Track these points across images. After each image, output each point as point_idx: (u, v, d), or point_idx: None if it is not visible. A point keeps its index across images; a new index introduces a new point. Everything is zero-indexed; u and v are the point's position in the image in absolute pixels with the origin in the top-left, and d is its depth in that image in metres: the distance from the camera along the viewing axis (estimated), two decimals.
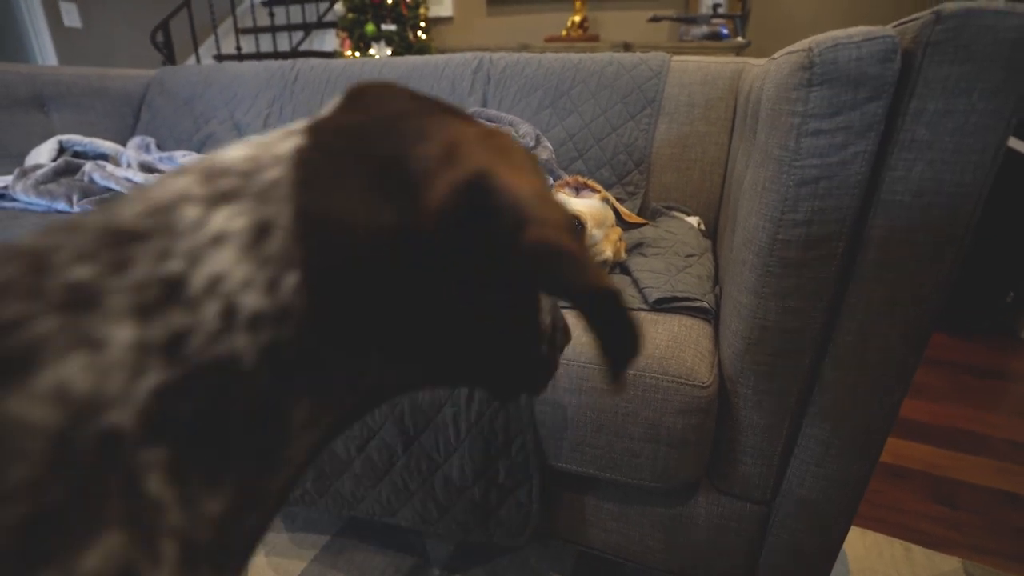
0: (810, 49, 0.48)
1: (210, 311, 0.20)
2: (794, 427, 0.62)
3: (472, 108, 1.28)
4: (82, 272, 0.19)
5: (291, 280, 0.21)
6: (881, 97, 0.47)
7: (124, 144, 1.76)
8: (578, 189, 0.94)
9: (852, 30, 0.47)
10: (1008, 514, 1.12)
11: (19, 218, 1.16)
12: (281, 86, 1.65)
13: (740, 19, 2.72)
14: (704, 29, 2.73)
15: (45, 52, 2.96)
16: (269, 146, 0.24)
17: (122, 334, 0.18)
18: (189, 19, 3.06)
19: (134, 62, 3.32)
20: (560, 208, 0.24)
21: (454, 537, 0.79)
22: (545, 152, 0.96)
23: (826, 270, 0.53)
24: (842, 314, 0.55)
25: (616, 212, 0.95)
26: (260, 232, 0.21)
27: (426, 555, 0.97)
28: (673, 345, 0.65)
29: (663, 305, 0.73)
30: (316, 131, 0.25)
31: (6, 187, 1.30)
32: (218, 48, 3.56)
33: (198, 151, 1.71)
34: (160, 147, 1.76)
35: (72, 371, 0.17)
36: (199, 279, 0.20)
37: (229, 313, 0.20)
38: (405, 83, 1.50)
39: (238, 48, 3.46)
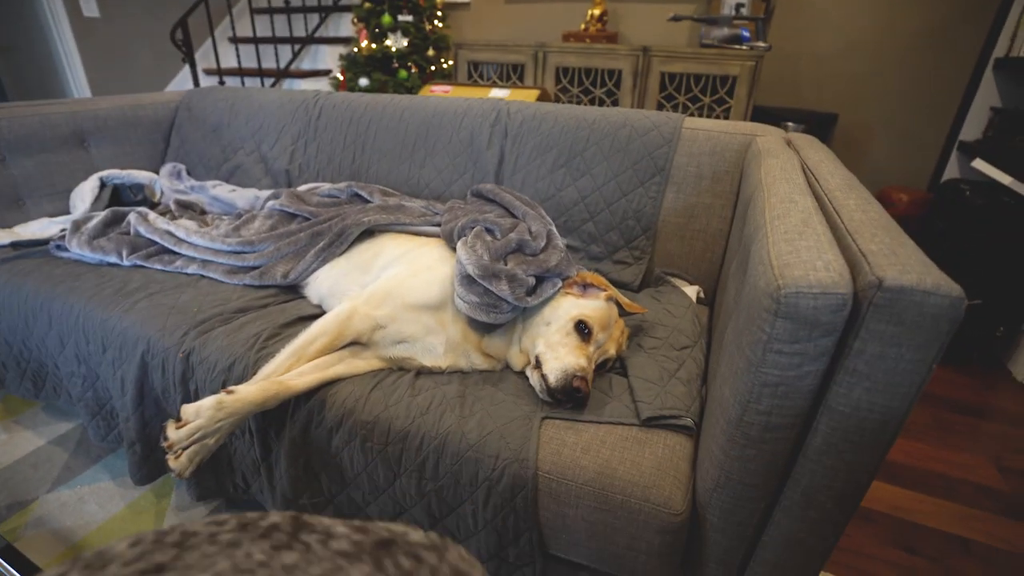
0: (778, 288, 0.57)
1: None
2: (750, 548, 0.75)
3: (488, 184, 1.35)
4: None
5: None
6: (831, 335, 0.57)
7: (157, 170, 1.86)
8: (585, 287, 1.04)
9: (813, 279, 0.56)
10: (960, 561, 1.26)
11: (80, 276, 1.29)
12: (305, 121, 1.72)
13: (762, 21, 2.67)
14: (725, 31, 2.69)
15: (66, 42, 3.00)
16: None
17: None
18: (206, 8, 3.05)
19: (153, 52, 3.34)
20: None
21: None
22: (555, 255, 1.05)
23: (781, 448, 0.65)
24: (791, 479, 0.67)
25: (619, 305, 1.05)
26: None
27: None
28: (656, 472, 0.77)
29: (652, 423, 0.85)
30: None
31: (63, 235, 1.42)
32: (233, 31, 3.55)
33: (227, 180, 1.81)
34: (191, 173, 1.86)
35: None
36: None
37: None
38: (424, 130, 1.57)
39: (253, 30, 3.45)
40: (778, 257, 0.62)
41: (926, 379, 0.56)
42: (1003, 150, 2.10)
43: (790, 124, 2.64)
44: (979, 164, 2.14)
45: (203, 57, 3.62)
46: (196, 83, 3.25)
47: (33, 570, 1.09)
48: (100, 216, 1.44)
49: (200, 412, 0.82)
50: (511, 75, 2.95)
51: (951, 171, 2.58)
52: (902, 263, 0.56)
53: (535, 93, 2.41)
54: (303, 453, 0.96)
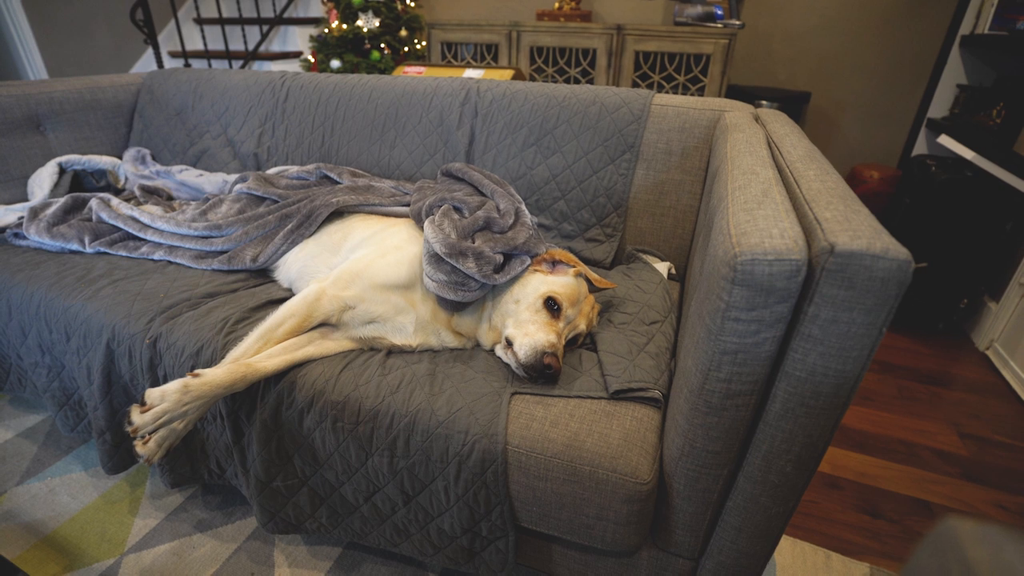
0: (735, 256, 0.58)
1: None
2: (715, 514, 0.77)
3: (457, 164, 1.34)
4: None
5: None
6: (787, 301, 0.58)
7: (120, 155, 1.81)
8: (554, 264, 1.04)
9: (768, 246, 0.57)
10: (919, 523, 1.31)
11: (40, 264, 1.25)
12: (272, 103, 1.68)
13: None
14: (698, 9, 2.68)
15: (17, 20, 2.87)
16: None
17: None
18: None
19: (114, 34, 3.22)
20: None
21: (446, 566, 0.96)
22: (523, 232, 1.04)
23: (741, 414, 0.66)
24: (752, 445, 0.68)
25: (589, 281, 1.06)
26: None
27: (424, 566, 1.15)
28: (624, 443, 0.79)
29: (620, 396, 0.86)
30: None
31: (20, 222, 1.37)
32: (198, 11, 3.44)
33: (194, 165, 1.77)
34: (156, 158, 1.81)
35: None
36: None
37: None
38: (394, 111, 1.54)
39: (219, 10, 3.34)
40: (736, 226, 0.63)
41: (877, 342, 0.57)
42: (967, 126, 2.14)
43: (764, 103, 2.65)
44: (944, 140, 2.18)
45: (167, 39, 3.50)
46: (160, 66, 3.14)
47: (11, 570, 1.04)
48: (60, 202, 1.39)
49: (165, 396, 0.81)
50: (485, 55, 2.91)
51: (920, 148, 2.63)
52: (854, 229, 0.57)
53: (509, 73, 2.39)
54: (275, 435, 0.95)
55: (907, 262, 0.53)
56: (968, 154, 1.93)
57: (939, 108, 2.56)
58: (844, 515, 1.32)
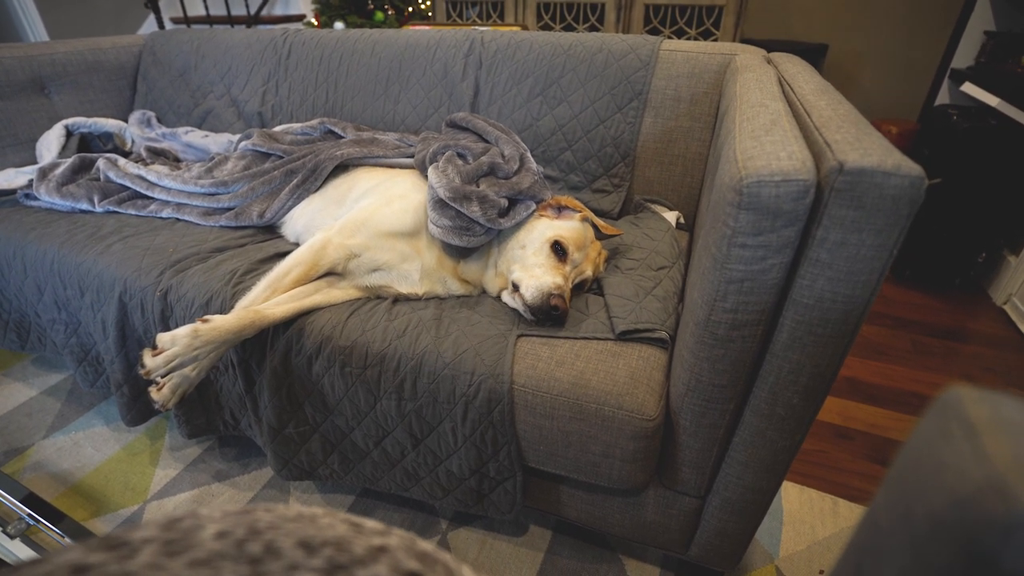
0: (740, 180, 0.57)
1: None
2: (722, 450, 0.78)
3: (461, 113, 1.32)
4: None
5: None
6: (794, 224, 0.57)
7: (126, 118, 1.80)
8: (560, 209, 1.03)
9: (775, 167, 0.55)
10: None
11: (52, 223, 1.27)
12: (275, 61, 1.65)
13: None
14: None
15: None
16: None
17: None
18: None
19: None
20: None
21: (456, 509, 0.98)
22: (528, 177, 1.03)
23: (748, 345, 0.66)
24: (759, 378, 0.68)
25: (595, 227, 1.05)
26: None
27: (435, 511, 1.18)
28: (630, 381, 0.79)
29: (627, 337, 0.86)
30: None
31: (30, 184, 1.38)
32: None
33: (199, 126, 1.76)
34: (161, 120, 1.80)
35: None
36: None
37: None
38: (398, 65, 1.51)
39: None
40: (743, 152, 0.61)
41: (887, 265, 0.56)
42: (994, 73, 2.06)
43: None
44: (968, 88, 2.10)
45: (168, 5, 3.45)
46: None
47: (57, 516, 1.07)
48: (67, 162, 1.40)
49: (176, 340, 0.82)
50: (491, 13, 2.84)
51: (942, 100, 2.53)
52: (864, 148, 0.55)
53: (516, 30, 2.32)
54: (285, 382, 0.97)
55: (920, 179, 0.51)
56: (993, 101, 1.85)
57: (964, 57, 2.45)
58: (854, 464, 1.32)
